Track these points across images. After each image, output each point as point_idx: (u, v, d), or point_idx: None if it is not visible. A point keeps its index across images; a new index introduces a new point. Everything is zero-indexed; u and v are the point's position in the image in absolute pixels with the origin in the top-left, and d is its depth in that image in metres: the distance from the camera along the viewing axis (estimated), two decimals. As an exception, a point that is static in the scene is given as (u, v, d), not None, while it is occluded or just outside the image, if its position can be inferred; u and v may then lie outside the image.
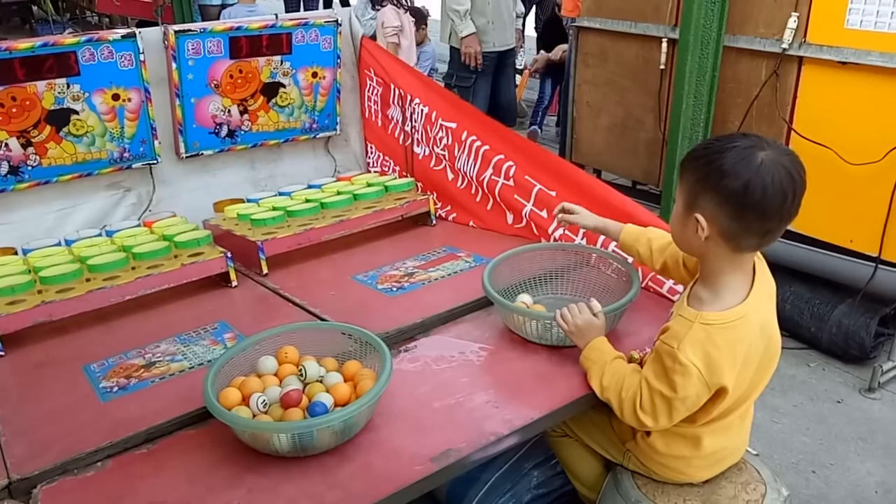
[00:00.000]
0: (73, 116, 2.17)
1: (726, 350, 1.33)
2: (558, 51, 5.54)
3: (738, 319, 1.34)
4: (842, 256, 2.90)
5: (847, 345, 2.94)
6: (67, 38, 2.12)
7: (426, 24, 5.50)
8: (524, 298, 1.77)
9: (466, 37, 4.26)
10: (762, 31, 2.97)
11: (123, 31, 2.19)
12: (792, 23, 2.84)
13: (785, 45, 2.87)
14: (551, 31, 5.74)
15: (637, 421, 1.43)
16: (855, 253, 2.86)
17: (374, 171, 2.78)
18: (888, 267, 2.76)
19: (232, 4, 7.18)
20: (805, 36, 2.84)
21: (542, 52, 5.96)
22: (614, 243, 1.96)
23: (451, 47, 4.43)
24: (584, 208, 1.82)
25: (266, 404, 1.40)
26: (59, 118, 2.15)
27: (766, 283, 1.42)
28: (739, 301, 1.36)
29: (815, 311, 3.02)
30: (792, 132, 2.97)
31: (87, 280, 1.93)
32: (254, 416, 1.38)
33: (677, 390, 1.35)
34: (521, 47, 4.67)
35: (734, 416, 1.48)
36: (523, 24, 6.89)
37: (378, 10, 4.92)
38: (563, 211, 1.83)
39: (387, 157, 2.78)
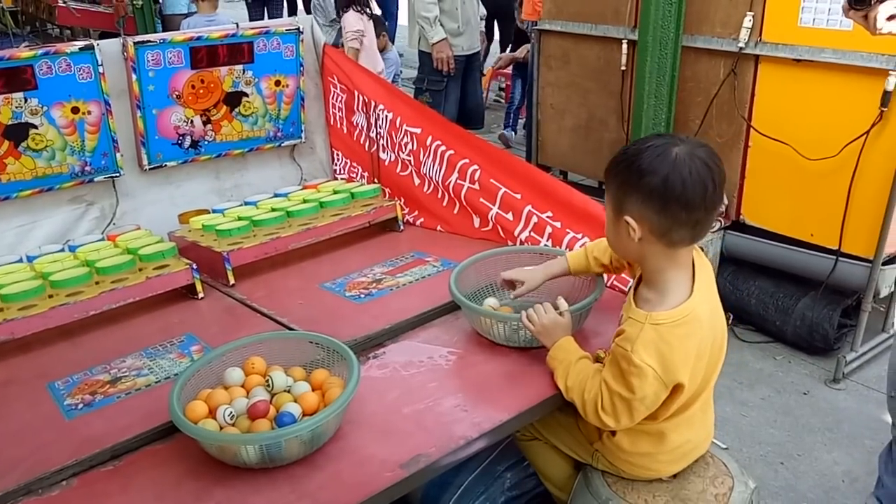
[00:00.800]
0: (32, 131, 2.14)
1: (678, 347, 1.36)
2: (523, 50, 5.58)
3: (687, 316, 1.37)
4: (803, 250, 2.96)
5: (811, 337, 2.99)
6: (24, 52, 2.09)
7: (386, 32, 5.51)
8: (490, 302, 1.78)
9: (437, 42, 4.27)
10: (719, 30, 3.02)
11: (81, 44, 2.16)
12: (747, 22, 2.89)
13: (741, 44, 2.93)
14: (518, 32, 5.79)
15: (600, 421, 1.45)
16: (816, 246, 2.92)
17: (341, 178, 2.78)
18: (848, 259, 2.83)
19: (193, 13, 7.16)
20: (760, 35, 2.90)
21: (506, 51, 6.01)
22: (579, 243, 1.98)
23: (421, 52, 4.44)
24: (525, 272, 1.77)
25: (233, 416, 1.39)
26: (18, 133, 2.11)
27: (707, 275, 1.46)
28: (685, 297, 1.39)
29: (780, 305, 3.08)
30: (751, 129, 3.02)
31: (50, 296, 1.90)
32: (221, 428, 1.37)
33: (635, 391, 1.37)
34: (484, 46, 4.70)
35: (695, 409, 1.51)
36: (489, 28, 6.95)
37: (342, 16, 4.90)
38: (505, 281, 1.79)
39: (354, 164, 2.78)
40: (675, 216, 1.32)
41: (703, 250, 1.71)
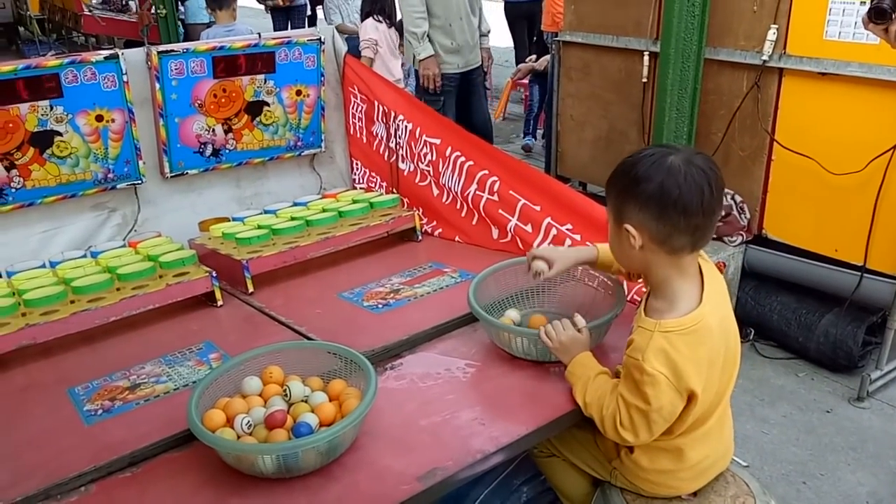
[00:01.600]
0: (57, 138, 2.16)
1: (689, 354, 1.35)
2: (543, 61, 5.58)
3: (697, 324, 1.36)
4: (827, 266, 2.93)
5: (835, 354, 2.95)
6: (50, 61, 2.12)
7: None
8: (511, 314, 1.77)
9: (424, 59, 4.09)
10: (742, 43, 3.00)
11: (106, 53, 2.19)
12: (771, 35, 2.87)
13: (765, 57, 2.91)
14: (537, 42, 5.80)
15: (619, 437, 1.43)
16: (840, 262, 2.88)
17: (360, 188, 2.78)
18: (873, 276, 2.79)
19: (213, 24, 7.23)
20: (785, 48, 2.88)
21: (527, 60, 6.01)
22: (600, 257, 1.96)
23: (415, 70, 4.30)
24: (552, 250, 1.75)
25: (251, 425, 1.39)
26: (43, 140, 2.14)
27: (717, 283, 1.44)
28: (694, 306, 1.38)
29: (803, 321, 3.03)
30: (774, 143, 2.99)
31: (72, 302, 1.92)
32: (238, 437, 1.37)
33: (651, 402, 1.36)
34: (490, 64, 4.57)
35: (711, 424, 1.48)
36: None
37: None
38: (535, 257, 1.73)
39: (373, 174, 2.78)
40: (673, 222, 1.33)
41: (724, 264, 1.69)
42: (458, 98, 4.36)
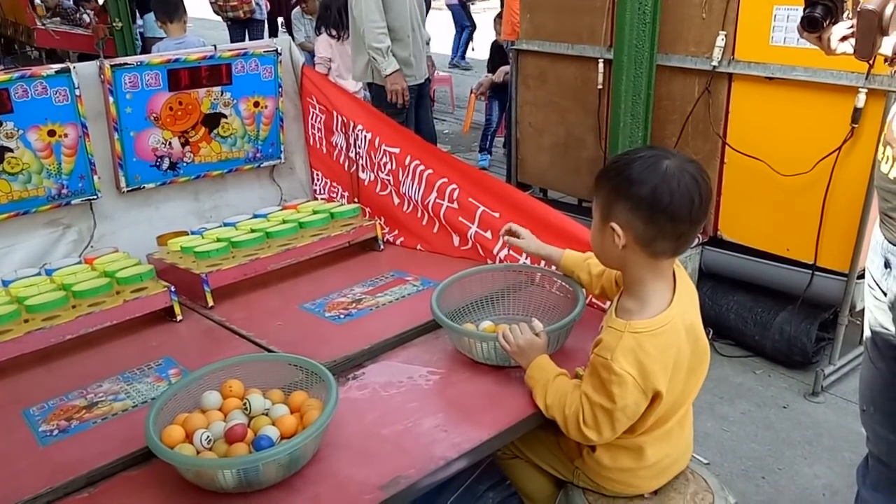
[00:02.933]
0: (8, 154, 2.12)
1: (656, 356, 1.38)
2: (500, 73, 5.62)
3: (665, 325, 1.39)
4: (780, 265, 3.00)
5: (790, 351, 3.02)
6: (-1, 76, 2.08)
7: None
8: (484, 324, 1.79)
9: (391, 74, 3.93)
10: (693, 49, 3.07)
11: (57, 67, 2.16)
12: (720, 41, 2.95)
13: (715, 63, 2.98)
14: (498, 54, 5.83)
15: (582, 436, 1.45)
16: (793, 261, 2.96)
17: (322, 198, 2.78)
18: (824, 273, 2.86)
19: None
20: (733, 53, 2.95)
21: (486, 74, 6.04)
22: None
23: (374, 85, 4.13)
24: (528, 231, 1.85)
25: (210, 440, 1.38)
26: (-8, 157, 2.10)
27: (687, 289, 1.48)
28: (664, 307, 1.41)
29: (759, 320, 3.11)
30: (726, 146, 3.07)
31: (26, 321, 1.88)
32: (198, 453, 1.36)
33: (616, 401, 1.38)
34: (433, 72, 4.52)
35: (672, 423, 1.51)
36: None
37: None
38: (509, 232, 1.86)
39: (334, 184, 2.78)
40: (660, 227, 1.35)
41: (682, 265, 1.73)
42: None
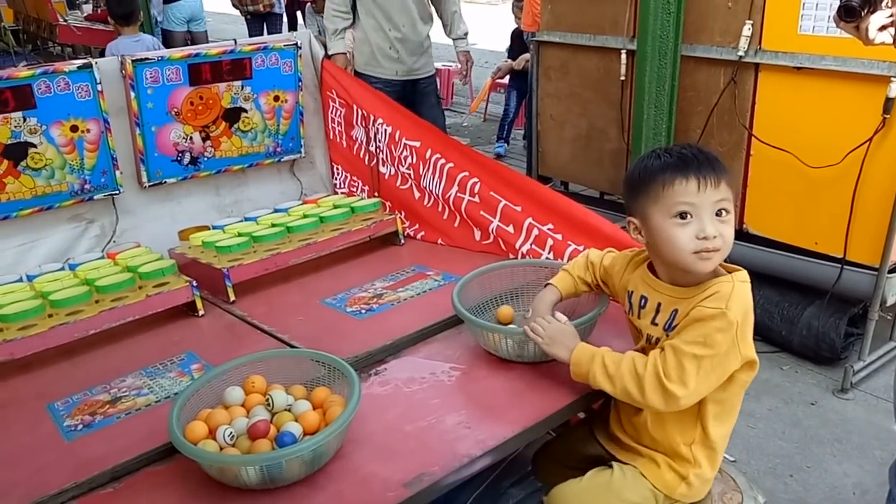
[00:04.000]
0: (31, 150, 2.13)
1: (749, 313, 1.38)
2: (521, 60, 5.58)
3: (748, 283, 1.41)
4: (808, 259, 2.94)
5: (818, 346, 2.97)
6: (22, 71, 2.09)
7: None
8: (505, 310, 1.77)
9: (332, 56, 3.71)
10: (718, 39, 3.02)
11: (79, 63, 2.16)
12: (746, 30, 2.89)
13: (741, 53, 2.92)
14: (518, 41, 5.79)
15: (663, 393, 1.35)
16: (821, 255, 2.90)
17: (342, 193, 2.77)
18: (854, 268, 2.81)
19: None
20: (760, 43, 2.90)
21: (506, 60, 6.00)
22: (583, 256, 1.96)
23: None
24: (534, 308, 1.68)
25: (233, 436, 1.37)
26: (17, 152, 2.11)
27: None
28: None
29: (785, 315, 3.05)
30: (753, 138, 3.01)
31: (50, 316, 1.89)
32: (221, 449, 1.35)
33: (714, 346, 1.33)
34: (469, 67, 4.38)
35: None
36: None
37: None
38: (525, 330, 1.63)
39: (354, 178, 2.77)
40: (636, 198, 1.43)
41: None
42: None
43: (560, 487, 1.55)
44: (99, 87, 2.18)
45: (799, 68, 2.80)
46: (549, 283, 1.72)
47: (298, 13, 9.41)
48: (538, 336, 1.56)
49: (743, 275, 1.40)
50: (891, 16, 1.55)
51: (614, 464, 1.54)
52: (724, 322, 1.33)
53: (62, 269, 2.20)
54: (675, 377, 1.34)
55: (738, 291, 1.36)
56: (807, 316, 2.98)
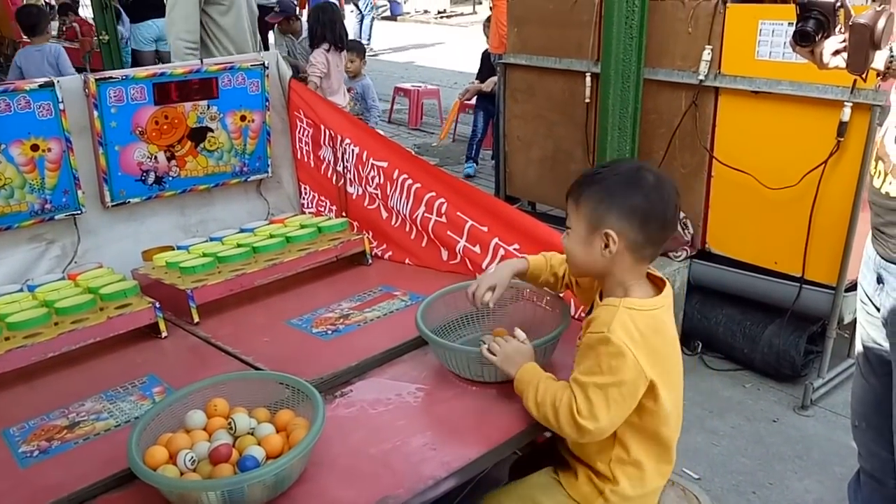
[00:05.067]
0: (-11, 169, 2.10)
1: (649, 338, 1.39)
2: (490, 83, 5.63)
3: (657, 311, 1.43)
4: (768, 278, 3.00)
5: (779, 364, 3.02)
6: (-20, 90, 2.06)
7: (364, 57, 5.60)
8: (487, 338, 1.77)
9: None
10: (679, 63, 3.09)
11: (41, 81, 2.14)
12: (706, 55, 2.96)
13: (701, 77, 2.99)
14: (488, 62, 5.83)
15: (577, 429, 1.39)
16: (780, 274, 2.96)
17: (309, 213, 2.76)
18: (812, 286, 2.87)
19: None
20: (719, 67, 2.97)
21: (473, 81, 6.05)
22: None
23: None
24: (489, 276, 1.71)
25: (194, 461, 1.35)
26: (-26, 171, 2.07)
27: (669, 299, 1.50)
28: (652, 295, 1.46)
29: (747, 333, 3.11)
30: (714, 160, 3.08)
31: (6, 339, 1.84)
32: (182, 474, 1.33)
33: (615, 373, 1.36)
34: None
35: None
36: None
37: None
38: (478, 289, 1.69)
39: (322, 198, 2.77)
40: (650, 233, 1.42)
41: (668, 279, 1.72)
42: None
43: (494, 492, 1.62)
44: (61, 106, 2.16)
45: (756, 92, 2.87)
46: (524, 256, 1.77)
47: (270, 33, 9.39)
48: (493, 355, 1.58)
49: (634, 302, 1.42)
50: (843, 41, 1.61)
51: (541, 470, 1.59)
52: (611, 347, 1.37)
53: (21, 290, 2.15)
54: (585, 412, 1.39)
55: (621, 317, 1.39)
56: (768, 334, 3.04)
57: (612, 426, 1.41)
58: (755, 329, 3.08)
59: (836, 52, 1.64)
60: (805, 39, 1.66)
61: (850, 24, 1.54)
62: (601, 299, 1.49)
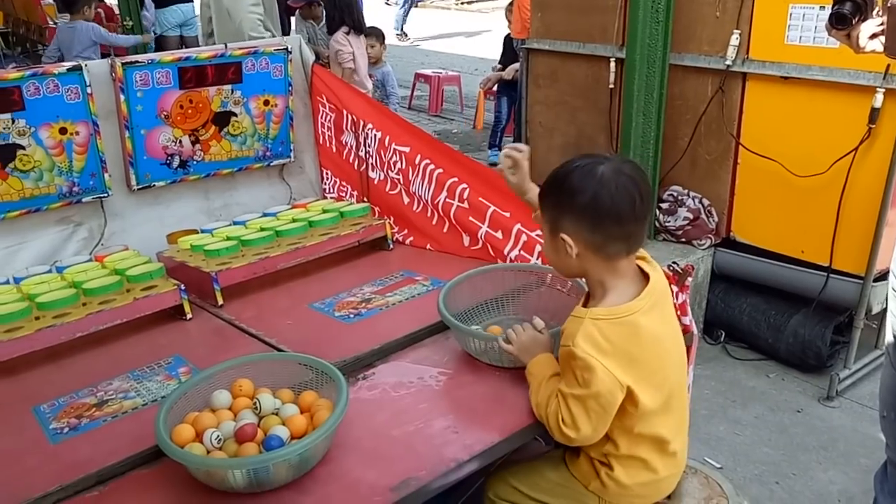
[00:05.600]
0: (20, 152, 2.12)
1: (621, 345, 1.37)
2: (511, 70, 5.59)
3: (627, 317, 1.39)
4: (794, 267, 2.97)
5: (804, 354, 2.99)
6: (11, 73, 2.08)
7: (384, 43, 5.59)
8: (493, 328, 1.77)
9: None
10: (706, 48, 3.05)
11: (69, 65, 2.16)
12: (734, 40, 2.92)
13: (728, 62, 2.95)
14: (511, 48, 5.79)
15: (564, 437, 1.42)
16: (807, 263, 2.92)
17: (331, 197, 2.77)
18: (839, 276, 2.83)
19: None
20: (748, 52, 2.92)
21: (494, 67, 6.01)
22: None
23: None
24: (526, 168, 1.74)
25: (220, 440, 1.37)
26: (5, 154, 2.10)
27: (659, 293, 1.46)
28: (627, 300, 1.42)
29: (772, 322, 3.07)
30: (740, 147, 3.04)
31: (37, 318, 1.88)
32: (208, 452, 1.35)
33: (589, 386, 1.36)
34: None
35: (676, 416, 1.49)
36: None
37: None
38: (510, 158, 1.74)
39: (343, 183, 2.77)
40: (607, 231, 1.38)
41: (693, 267, 1.71)
42: None
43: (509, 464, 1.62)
44: (88, 90, 2.18)
45: (786, 78, 2.82)
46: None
47: (292, 18, 9.42)
48: (510, 345, 1.58)
49: (601, 312, 1.39)
50: (881, 24, 1.57)
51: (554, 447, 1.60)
52: (578, 361, 1.36)
53: (49, 271, 2.19)
54: (568, 422, 1.41)
55: (586, 329, 1.37)
56: (793, 324, 3.00)
57: (597, 433, 1.42)
58: (780, 318, 3.05)
59: (874, 36, 1.61)
60: (842, 22, 1.62)
61: (889, 5, 1.50)
62: (584, 303, 1.47)
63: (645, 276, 1.47)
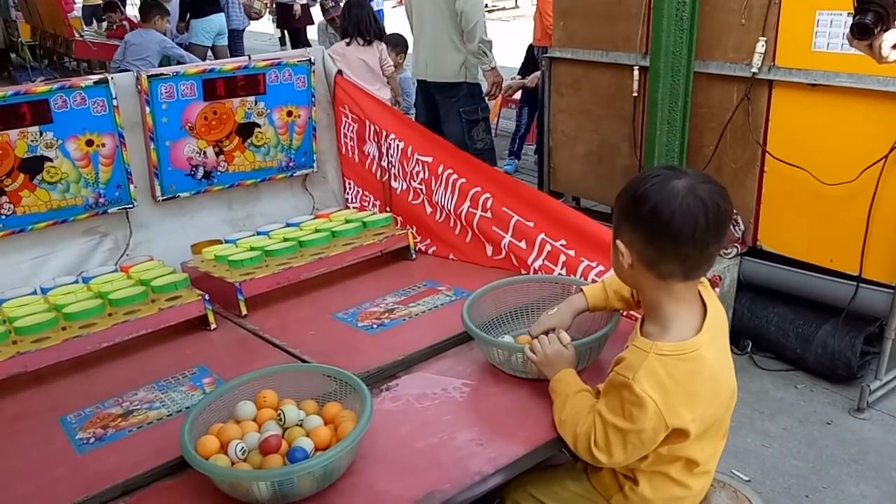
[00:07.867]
0: (47, 164, 2.15)
1: (684, 384, 1.31)
2: (533, 78, 5.58)
3: (694, 352, 1.33)
4: (823, 276, 2.92)
5: (834, 365, 2.93)
6: (39, 87, 2.11)
7: (405, 51, 5.60)
8: (507, 338, 1.75)
9: (494, 67, 4.37)
10: (731, 55, 3.01)
11: (96, 77, 2.19)
12: (760, 47, 2.88)
13: (754, 69, 2.91)
14: (533, 58, 5.78)
15: (591, 458, 1.39)
16: (836, 272, 2.87)
17: (353, 207, 2.77)
18: (869, 285, 2.78)
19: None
20: (774, 60, 2.89)
21: (514, 77, 6.00)
22: (594, 272, 1.96)
23: (468, 84, 4.31)
24: (552, 317, 1.67)
25: (245, 451, 1.37)
26: (33, 166, 2.13)
27: (718, 323, 1.41)
28: (691, 335, 1.35)
29: (800, 332, 3.02)
30: (766, 154, 3.00)
31: (63, 328, 1.89)
32: (232, 464, 1.35)
33: (634, 422, 1.32)
34: (496, 91, 4.64)
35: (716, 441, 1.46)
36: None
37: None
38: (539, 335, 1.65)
39: (366, 193, 2.78)
40: (661, 247, 1.31)
41: (720, 277, 1.68)
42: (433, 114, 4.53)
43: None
44: (115, 102, 2.20)
45: (813, 85, 2.78)
46: (581, 290, 1.72)
47: (309, 28, 9.55)
48: (534, 355, 1.56)
49: (667, 347, 1.32)
50: None
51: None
52: (633, 397, 1.31)
53: (76, 282, 2.21)
54: (602, 446, 1.38)
55: (650, 366, 1.31)
56: (822, 334, 2.95)
57: (627, 462, 1.39)
58: (808, 328, 3.00)
59: None
60: (863, 32, 1.60)
61: None
62: (641, 330, 1.42)
63: (703, 304, 1.40)
